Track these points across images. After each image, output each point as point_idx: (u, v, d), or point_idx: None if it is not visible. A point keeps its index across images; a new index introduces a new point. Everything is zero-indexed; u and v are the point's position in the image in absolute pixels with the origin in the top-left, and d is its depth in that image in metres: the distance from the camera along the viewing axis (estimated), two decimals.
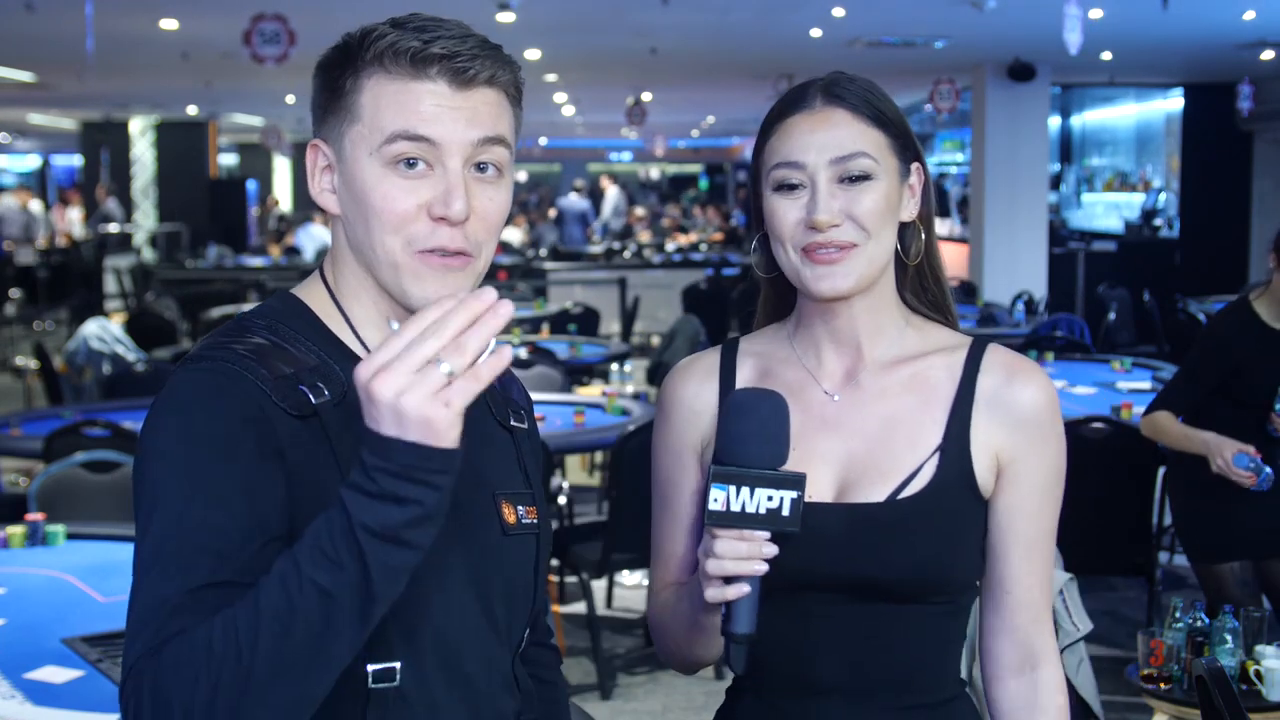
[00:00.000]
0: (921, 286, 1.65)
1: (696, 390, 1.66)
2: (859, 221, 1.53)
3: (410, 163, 1.32)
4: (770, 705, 1.59)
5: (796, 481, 1.40)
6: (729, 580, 1.40)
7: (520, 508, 1.48)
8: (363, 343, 1.40)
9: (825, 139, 1.53)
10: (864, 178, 1.53)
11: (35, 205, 19.50)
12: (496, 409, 1.52)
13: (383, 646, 1.33)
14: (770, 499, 1.39)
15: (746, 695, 1.62)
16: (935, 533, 1.53)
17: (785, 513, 1.39)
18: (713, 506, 1.39)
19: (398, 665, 1.34)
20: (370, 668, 1.33)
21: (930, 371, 1.60)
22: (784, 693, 1.58)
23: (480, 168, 1.35)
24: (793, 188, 1.54)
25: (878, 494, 1.54)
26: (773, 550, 1.40)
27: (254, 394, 1.29)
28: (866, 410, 1.59)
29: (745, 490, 1.39)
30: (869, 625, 1.54)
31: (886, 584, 1.52)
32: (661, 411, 1.68)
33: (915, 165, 1.60)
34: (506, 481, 1.48)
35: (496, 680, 1.44)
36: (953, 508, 1.54)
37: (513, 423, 1.53)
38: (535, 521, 1.50)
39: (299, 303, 1.42)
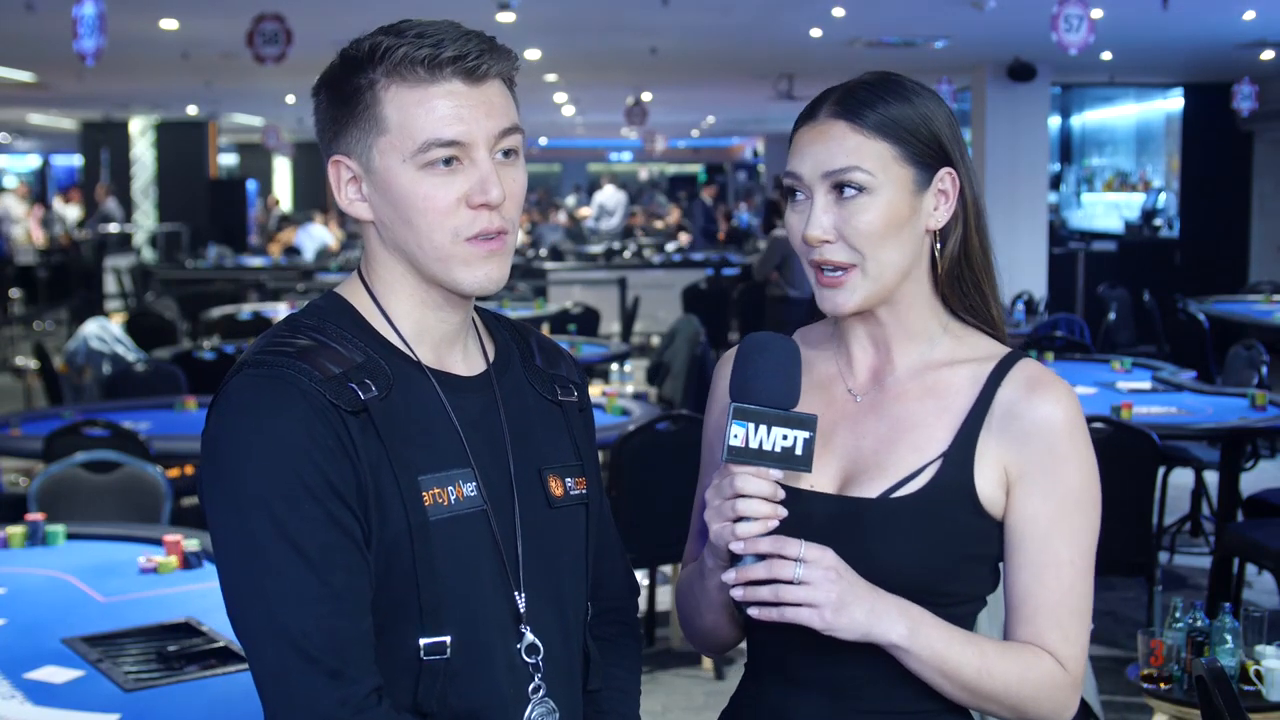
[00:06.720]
0: (961, 292, 1.62)
1: None
2: (850, 241, 1.53)
3: (446, 162, 1.40)
4: (761, 695, 1.61)
5: (809, 423, 1.44)
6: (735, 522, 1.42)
7: (569, 480, 1.54)
8: (402, 338, 1.46)
9: (819, 152, 1.54)
10: (859, 192, 1.52)
11: None
12: (542, 386, 1.57)
13: (433, 621, 1.38)
14: (785, 438, 1.43)
15: (750, 683, 1.64)
16: (923, 537, 1.51)
17: (798, 452, 1.44)
18: (732, 442, 1.42)
19: (448, 639, 1.39)
20: (422, 641, 1.38)
21: (954, 379, 1.58)
22: (772, 684, 1.60)
23: (504, 154, 1.44)
24: (797, 198, 1.57)
25: (873, 490, 1.54)
26: (782, 495, 1.43)
27: (314, 396, 1.35)
28: (883, 411, 1.59)
29: (763, 428, 1.43)
30: None
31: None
32: (709, 392, 1.71)
33: (947, 171, 1.58)
34: (554, 455, 1.54)
35: (551, 651, 1.48)
36: (946, 515, 1.52)
37: (561, 397, 1.58)
38: (584, 492, 1.56)
39: (344, 301, 1.49)
